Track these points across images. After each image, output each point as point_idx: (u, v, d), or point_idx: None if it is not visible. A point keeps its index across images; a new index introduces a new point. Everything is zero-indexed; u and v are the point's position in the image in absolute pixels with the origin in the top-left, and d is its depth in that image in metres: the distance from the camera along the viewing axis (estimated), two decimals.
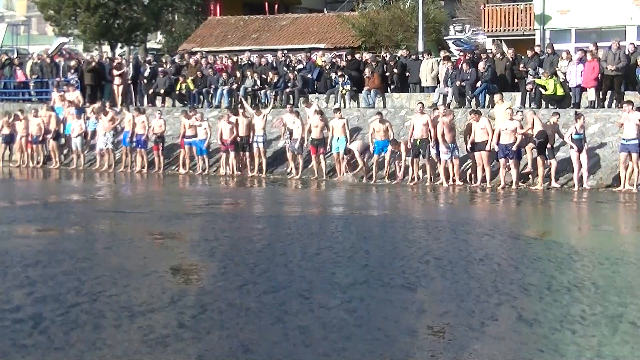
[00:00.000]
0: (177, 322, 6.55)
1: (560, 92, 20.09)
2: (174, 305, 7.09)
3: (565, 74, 20.30)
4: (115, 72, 25.97)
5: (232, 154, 21.30)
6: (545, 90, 20.12)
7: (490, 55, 22.21)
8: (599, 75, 19.75)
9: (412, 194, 17.73)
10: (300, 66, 24.73)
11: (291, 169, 20.87)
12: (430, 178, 18.88)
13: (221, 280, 8.26)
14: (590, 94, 19.90)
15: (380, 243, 10.62)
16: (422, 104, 19.37)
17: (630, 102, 17.60)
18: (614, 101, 19.82)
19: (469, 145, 18.33)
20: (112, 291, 7.58)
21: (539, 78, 20.27)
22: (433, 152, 18.68)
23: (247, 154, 21.36)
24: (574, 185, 17.52)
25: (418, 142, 18.81)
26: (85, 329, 6.35)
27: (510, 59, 21.58)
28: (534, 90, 20.36)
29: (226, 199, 17.05)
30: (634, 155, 16.99)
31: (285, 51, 27.70)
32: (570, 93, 20.20)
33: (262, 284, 8.01)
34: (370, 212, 15.07)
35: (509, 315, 6.89)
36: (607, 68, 19.66)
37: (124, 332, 6.27)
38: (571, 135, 17.42)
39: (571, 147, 17.45)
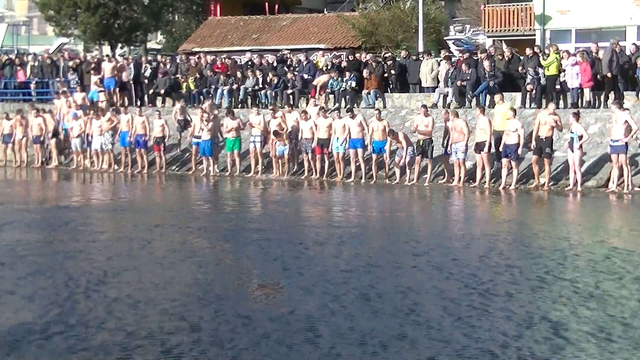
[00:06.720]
0: None
1: (556, 69, 20.12)
2: None
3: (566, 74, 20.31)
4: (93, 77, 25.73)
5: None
6: (546, 59, 20.12)
7: (492, 55, 22.22)
8: (596, 75, 19.76)
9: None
10: (300, 67, 24.67)
11: (303, 169, 20.87)
12: (431, 178, 18.95)
13: None
14: (586, 94, 19.89)
15: None
16: (426, 107, 19.37)
17: (616, 103, 17.58)
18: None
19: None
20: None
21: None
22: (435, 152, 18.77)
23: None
24: (568, 185, 17.56)
25: (421, 142, 18.85)
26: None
27: (507, 59, 21.59)
28: (534, 89, 20.35)
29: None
30: (621, 157, 16.98)
31: (286, 51, 27.69)
32: (569, 94, 20.21)
33: None
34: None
35: None
36: (601, 72, 19.68)
37: None
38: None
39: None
